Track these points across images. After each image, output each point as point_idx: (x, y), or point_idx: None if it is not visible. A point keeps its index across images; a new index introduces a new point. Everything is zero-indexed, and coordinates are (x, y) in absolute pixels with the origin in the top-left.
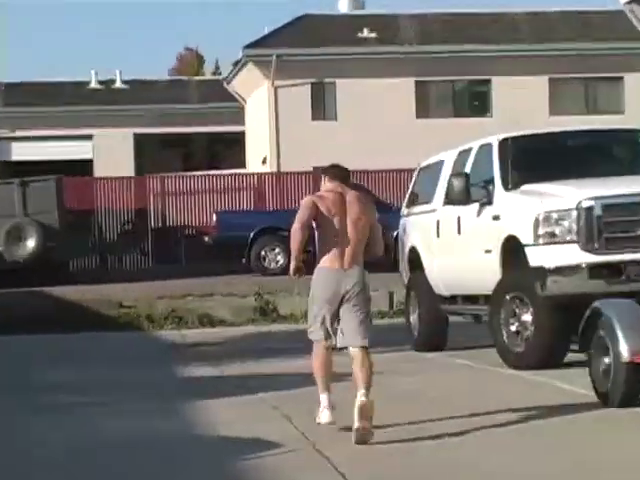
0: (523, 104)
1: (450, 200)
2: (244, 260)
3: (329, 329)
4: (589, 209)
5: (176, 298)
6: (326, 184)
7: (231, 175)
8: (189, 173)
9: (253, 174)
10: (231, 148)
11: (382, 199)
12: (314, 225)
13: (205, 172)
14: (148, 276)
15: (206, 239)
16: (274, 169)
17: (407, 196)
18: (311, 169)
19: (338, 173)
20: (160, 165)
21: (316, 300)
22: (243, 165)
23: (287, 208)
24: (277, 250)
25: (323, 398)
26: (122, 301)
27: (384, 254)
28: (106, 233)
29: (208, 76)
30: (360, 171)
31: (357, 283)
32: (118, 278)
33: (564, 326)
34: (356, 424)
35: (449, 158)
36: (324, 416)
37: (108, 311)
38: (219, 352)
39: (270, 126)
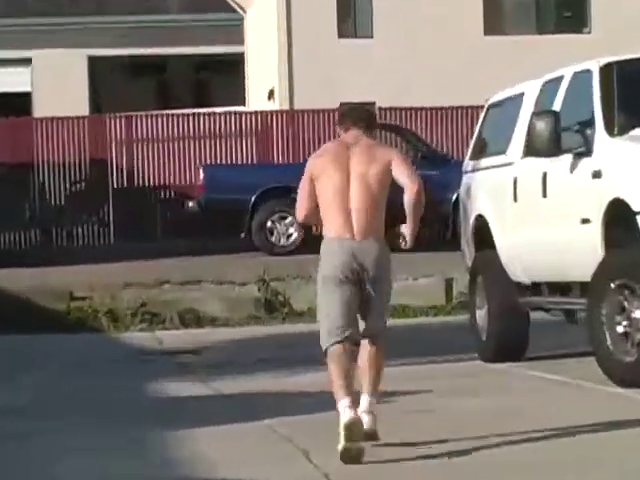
0: (635, 15)
1: (532, 150)
2: (243, 234)
3: (348, 324)
4: None
5: (148, 287)
6: (341, 135)
7: (225, 115)
8: (166, 112)
9: (255, 113)
10: (225, 77)
11: (436, 148)
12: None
13: (188, 110)
14: (109, 256)
15: (190, 204)
16: (285, 106)
17: (472, 144)
18: (337, 106)
19: (356, 115)
20: (125, 100)
21: (326, 282)
22: (242, 101)
23: (303, 160)
24: (289, 219)
25: (343, 403)
26: (73, 291)
27: (430, 209)
28: (50, 196)
29: None
30: (405, 109)
31: (374, 264)
32: (67, 259)
33: None
34: (342, 443)
35: (531, 91)
36: (345, 415)
37: (53, 304)
38: (209, 362)
39: (280, 47)
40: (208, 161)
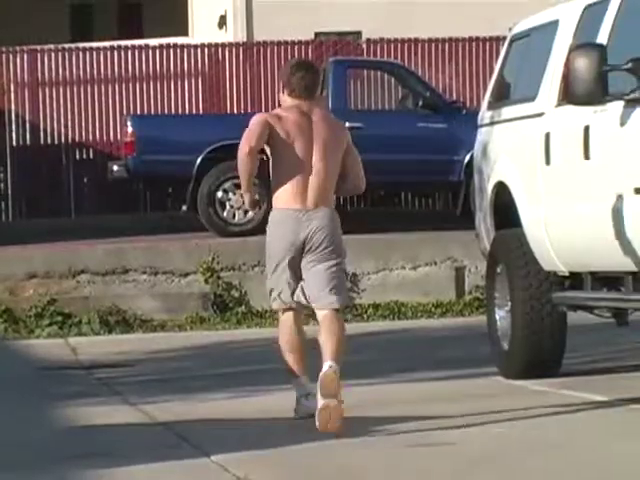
0: None
1: (571, 96)
2: (185, 207)
3: (294, 290)
4: None
5: (59, 278)
6: (285, 99)
7: (161, 49)
8: (82, 45)
9: (202, 47)
10: None
11: (442, 93)
12: (268, 153)
13: (112, 43)
14: (5, 237)
15: (114, 168)
16: (240, 37)
17: (489, 89)
18: (311, 37)
19: (302, 83)
20: (28, 29)
21: (273, 252)
22: (184, 31)
23: (262, 109)
24: None
25: (298, 382)
26: None
27: (363, 189)
28: None
29: None
30: (401, 41)
31: (323, 227)
32: None
33: None
34: (320, 402)
35: (568, 18)
36: (305, 407)
37: None
38: (139, 379)
39: None
40: (138, 110)
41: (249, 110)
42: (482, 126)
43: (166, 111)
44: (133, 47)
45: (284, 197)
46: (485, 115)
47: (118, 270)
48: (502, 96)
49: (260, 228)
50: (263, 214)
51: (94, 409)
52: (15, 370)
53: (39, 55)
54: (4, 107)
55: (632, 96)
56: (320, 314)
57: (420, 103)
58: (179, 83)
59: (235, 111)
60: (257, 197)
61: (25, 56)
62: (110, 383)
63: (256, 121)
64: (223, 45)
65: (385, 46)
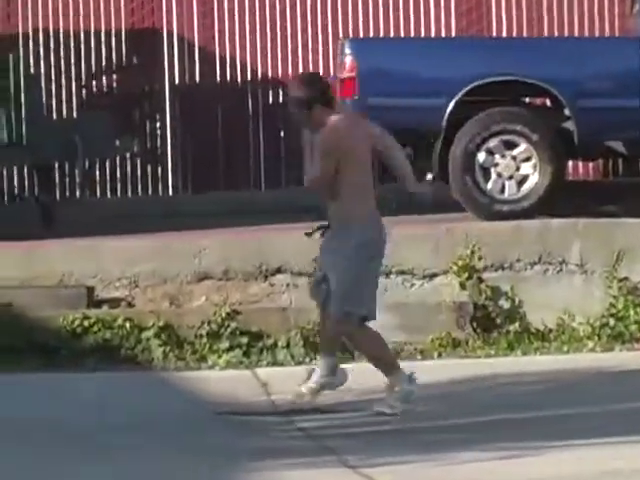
0: None
1: None
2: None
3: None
4: None
5: (244, 280)
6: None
7: None
8: None
9: None
10: None
11: None
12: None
13: None
14: (165, 219)
15: None
16: None
17: None
18: None
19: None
20: None
21: (362, 253)
22: None
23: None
24: (522, 148)
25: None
26: (94, 287)
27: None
28: (50, 101)
29: None
30: None
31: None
32: (83, 225)
33: None
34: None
35: None
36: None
37: (57, 314)
38: (362, 430)
39: None
40: (360, 33)
41: (524, 32)
42: None
43: (401, 33)
44: None
45: (369, 204)
46: None
47: None
48: None
49: (540, 207)
50: (544, 187)
51: (294, 473)
52: (180, 414)
53: None
54: (161, 27)
55: None
56: None
57: None
58: None
59: (504, 33)
60: None
61: None
62: (318, 435)
63: (325, 155)
64: None
65: None
